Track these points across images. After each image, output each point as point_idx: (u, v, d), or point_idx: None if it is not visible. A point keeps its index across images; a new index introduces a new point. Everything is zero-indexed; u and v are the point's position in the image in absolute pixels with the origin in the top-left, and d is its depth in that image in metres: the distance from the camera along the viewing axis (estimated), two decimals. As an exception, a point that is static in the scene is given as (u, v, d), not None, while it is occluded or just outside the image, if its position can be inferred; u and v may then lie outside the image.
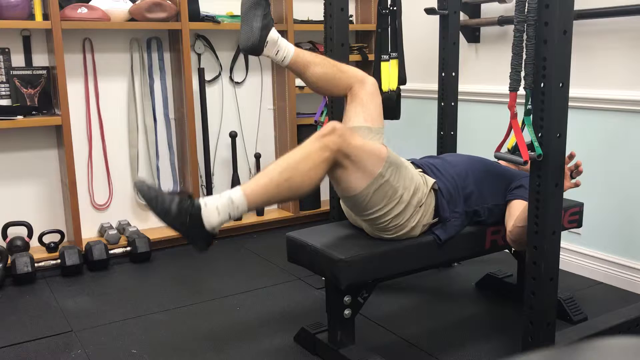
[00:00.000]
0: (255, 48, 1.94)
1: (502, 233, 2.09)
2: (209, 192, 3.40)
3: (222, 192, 1.69)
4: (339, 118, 2.13)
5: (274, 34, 1.97)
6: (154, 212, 1.65)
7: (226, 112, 3.50)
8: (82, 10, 2.87)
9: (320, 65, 2.03)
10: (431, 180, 1.97)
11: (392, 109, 2.62)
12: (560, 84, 1.59)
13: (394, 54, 2.63)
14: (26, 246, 2.90)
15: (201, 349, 2.13)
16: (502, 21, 2.91)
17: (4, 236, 2.91)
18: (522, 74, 1.62)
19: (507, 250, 2.40)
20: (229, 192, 1.69)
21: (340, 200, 2.06)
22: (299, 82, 3.48)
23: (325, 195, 3.75)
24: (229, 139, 3.44)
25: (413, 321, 2.33)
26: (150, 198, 1.64)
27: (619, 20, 2.51)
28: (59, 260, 2.84)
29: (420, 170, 2.05)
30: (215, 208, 1.66)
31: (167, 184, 3.38)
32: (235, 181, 3.46)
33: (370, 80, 2.06)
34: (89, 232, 3.18)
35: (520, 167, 2.21)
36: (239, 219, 1.66)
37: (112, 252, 2.99)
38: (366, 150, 1.77)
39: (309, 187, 1.72)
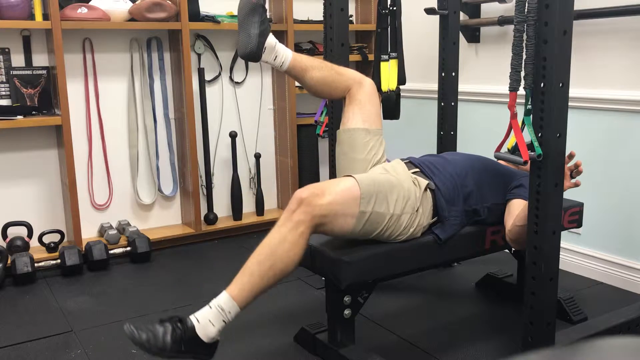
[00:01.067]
0: (253, 54, 1.95)
1: (502, 233, 2.09)
2: (209, 192, 3.40)
3: (211, 302, 1.71)
4: (339, 118, 2.13)
5: (271, 39, 1.98)
6: (151, 354, 1.66)
7: (226, 112, 3.50)
8: (82, 10, 2.87)
9: (318, 68, 2.04)
10: (424, 182, 1.96)
11: (391, 109, 2.62)
12: (560, 84, 1.59)
13: (393, 54, 2.63)
14: (26, 246, 2.90)
15: (201, 349, 2.13)
16: (502, 21, 2.91)
17: (4, 236, 2.91)
18: (522, 74, 1.62)
19: (507, 250, 2.40)
20: (217, 300, 1.71)
21: None
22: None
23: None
24: (229, 139, 3.44)
25: (413, 321, 2.33)
26: (142, 342, 1.64)
27: (619, 20, 2.51)
28: (59, 260, 2.84)
29: (418, 170, 2.04)
30: (209, 321, 1.69)
31: (167, 184, 3.38)
32: (235, 181, 3.46)
33: (368, 81, 2.06)
34: (89, 232, 3.18)
35: (520, 167, 2.21)
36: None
37: (112, 252, 2.99)
38: (338, 202, 1.75)
39: (294, 264, 1.73)
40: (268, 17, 3.43)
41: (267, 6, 3.50)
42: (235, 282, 1.73)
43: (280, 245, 1.70)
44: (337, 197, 1.76)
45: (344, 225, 1.78)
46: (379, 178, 1.88)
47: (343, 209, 1.76)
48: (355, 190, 1.79)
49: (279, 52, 2.00)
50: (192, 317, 1.70)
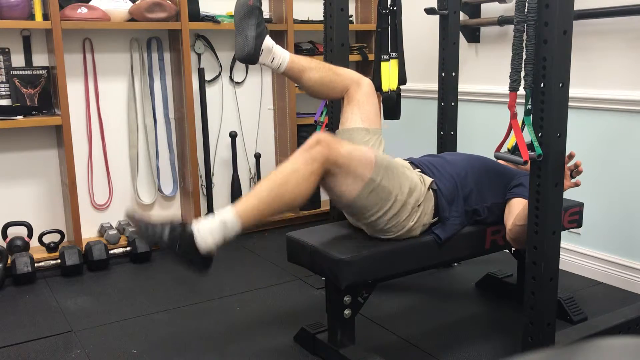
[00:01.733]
0: (250, 57, 1.96)
1: (502, 233, 2.09)
2: (209, 192, 3.40)
3: (214, 215, 1.71)
4: (339, 118, 2.13)
5: (268, 41, 1.98)
6: (146, 242, 1.67)
7: (226, 112, 3.50)
8: (82, 10, 2.87)
9: (316, 69, 2.04)
10: (429, 180, 1.97)
11: (392, 109, 2.62)
12: (560, 84, 1.59)
13: (394, 54, 2.63)
14: (26, 246, 2.90)
15: (201, 349, 2.13)
16: (502, 21, 2.91)
17: (4, 236, 2.91)
18: (522, 74, 1.62)
19: (507, 250, 2.40)
20: (220, 214, 1.70)
21: None
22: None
23: (325, 196, 3.75)
24: (229, 139, 3.44)
25: (413, 321, 2.33)
26: (140, 227, 1.67)
27: (619, 20, 2.51)
28: (59, 260, 2.84)
29: (419, 170, 2.05)
30: (209, 232, 1.68)
31: (167, 184, 3.38)
32: (235, 181, 3.46)
33: (366, 81, 2.07)
34: (89, 232, 3.18)
35: (520, 166, 2.21)
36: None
37: (112, 252, 2.99)
38: (354, 156, 1.77)
39: (301, 199, 1.73)
40: (268, 17, 3.43)
41: (263, 8, 3.50)
42: (242, 201, 1.73)
43: (292, 176, 1.70)
44: (354, 152, 1.78)
45: (350, 186, 1.77)
46: (393, 160, 1.91)
47: (355, 168, 1.77)
48: (371, 156, 1.81)
49: (276, 54, 2.01)
50: (193, 225, 1.69)
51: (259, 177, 3.58)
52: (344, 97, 2.07)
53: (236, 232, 1.70)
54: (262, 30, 1.96)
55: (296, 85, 3.46)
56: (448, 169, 2.05)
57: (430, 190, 1.97)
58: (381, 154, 1.89)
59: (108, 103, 3.17)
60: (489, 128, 3.13)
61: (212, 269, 1.73)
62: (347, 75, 2.07)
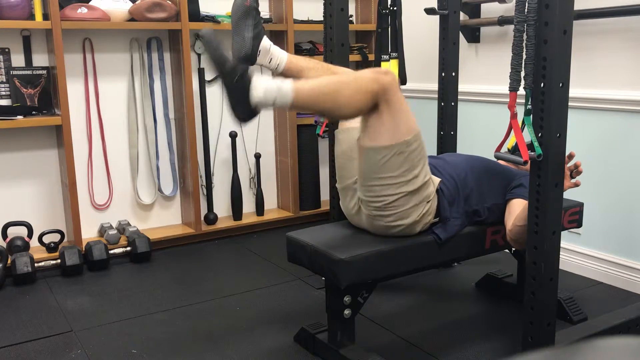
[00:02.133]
0: (248, 58, 1.97)
1: (502, 233, 2.09)
2: (209, 192, 3.40)
3: (276, 79, 1.77)
4: (339, 118, 2.13)
5: (265, 42, 1.99)
6: (212, 61, 1.73)
7: (226, 112, 3.50)
8: (82, 10, 2.87)
9: (315, 69, 2.04)
10: (437, 180, 1.97)
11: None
12: (560, 84, 1.59)
13: (394, 54, 2.63)
14: (26, 246, 2.90)
15: (201, 349, 2.13)
16: (502, 21, 2.91)
17: (4, 236, 2.91)
18: (522, 74, 1.62)
19: (507, 250, 2.40)
20: (281, 81, 1.74)
21: (341, 200, 2.06)
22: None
23: (325, 195, 3.76)
24: (229, 139, 3.45)
25: (413, 321, 2.33)
26: (212, 48, 1.73)
27: (619, 20, 2.51)
28: (59, 260, 2.84)
29: None
30: (264, 89, 1.71)
31: (167, 184, 3.38)
32: (235, 181, 3.46)
33: None
34: (89, 232, 3.18)
35: (520, 167, 2.21)
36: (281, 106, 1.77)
37: (112, 252, 2.99)
38: (405, 112, 1.82)
39: (350, 110, 1.77)
40: (268, 17, 3.43)
41: (263, 8, 3.50)
42: (303, 80, 1.78)
43: (354, 83, 1.76)
44: (406, 108, 1.83)
45: (386, 133, 1.80)
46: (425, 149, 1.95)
47: (400, 119, 1.80)
48: (416, 126, 1.85)
49: (274, 54, 2.01)
50: (254, 75, 1.73)
51: (259, 177, 3.58)
52: None
53: (286, 102, 1.73)
54: (259, 31, 1.96)
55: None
56: (448, 170, 2.05)
57: (436, 190, 1.97)
58: None
59: (108, 103, 3.17)
60: (489, 128, 3.13)
61: (253, 120, 1.77)
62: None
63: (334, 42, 2.38)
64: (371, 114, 1.79)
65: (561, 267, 1.93)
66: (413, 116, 1.86)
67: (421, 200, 1.89)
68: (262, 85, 1.71)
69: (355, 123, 2.02)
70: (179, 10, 3.08)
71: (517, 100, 1.65)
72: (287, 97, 1.72)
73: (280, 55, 2.02)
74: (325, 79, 1.79)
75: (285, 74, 2.05)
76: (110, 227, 3.16)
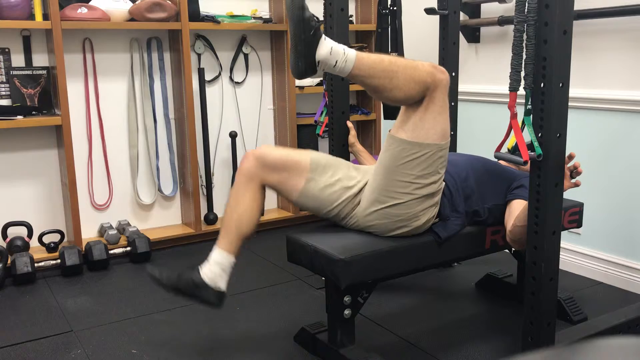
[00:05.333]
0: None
1: (502, 233, 2.09)
2: (209, 192, 3.40)
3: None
4: (339, 118, 2.13)
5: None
6: (292, 5, 1.75)
7: (226, 112, 3.50)
8: (82, 10, 2.87)
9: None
10: (443, 184, 1.97)
11: (392, 109, 2.62)
12: (560, 84, 1.59)
13: (393, 54, 2.63)
14: (26, 246, 2.90)
15: (201, 349, 2.13)
16: (502, 21, 2.91)
17: (4, 236, 2.91)
18: (522, 74, 1.62)
19: (507, 250, 2.40)
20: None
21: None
22: (299, 82, 3.48)
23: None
24: (229, 139, 3.44)
25: (413, 321, 2.33)
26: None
27: (619, 20, 2.51)
28: (59, 260, 2.84)
29: None
30: (331, 47, 1.75)
31: (167, 184, 3.38)
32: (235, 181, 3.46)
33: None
34: (89, 232, 3.18)
35: (520, 167, 2.21)
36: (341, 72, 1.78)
37: (112, 252, 2.99)
38: (445, 117, 1.82)
39: (399, 94, 1.77)
40: (268, 17, 3.43)
41: (263, 8, 3.50)
42: (366, 54, 1.80)
43: (411, 69, 1.76)
44: (446, 114, 1.83)
45: (422, 130, 1.80)
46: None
47: (438, 121, 1.80)
48: (449, 133, 1.86)
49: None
50: (323, 37, 1.76)
51: (259, 177, 3.57)
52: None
53: (347, 68, 1.75)
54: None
55: (296, 85, 3.46)
56: (450, 170, 2.05)
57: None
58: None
59: (108, 103, 3.17)
60: (489, 128, 3.13)
61: (308, 76, 1.80)
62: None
63: (334, 42, 2.37)
64: (416, 107, 1.80)
65: (561, 267, 1.93)
66: (448, 123, 1.86)
67: (431, 205, 1.90)
68: (329, 44, 1.75)
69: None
70: (179, 10, 3.08)
71: (517, 100, 1.64)
72: (349, 63, 1.74)
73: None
74: (387, 57, 1.79)
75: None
76: (110, 227, 3.15)
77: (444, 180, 1.98)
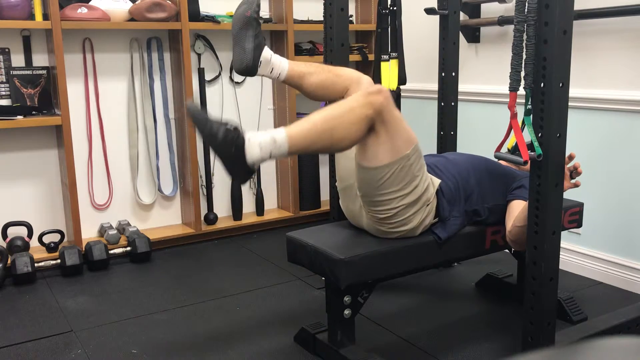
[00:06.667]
0: (249, 69, 1.93)
1: (502, 233, 2.09)
2: (209, 192, 3.40)
3: (266, 130, 1.72)
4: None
5: (266, 52, 1.96)
6: (201, 135, 1.67)
7: (226, 112, 3.50)
8: (82, 10, 2.87)
9: (316, 74, 2.02)
10: (437, 181, 1.97)
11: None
12: (560, 84, 1.59)
13: (394, 54, 2.63)
14: (26, 246, 2.90)
15: (201, 349, 2.13)
16: (502, 21, 2.91)
17: (4, 236, 2.91)
18: (522, 74, 1.62)
19: (507, 250, 2.40)
20: (273, 132, 1.70)
21: (341, 200, 2.06)
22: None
23: (325, 196, 3.75)
24: (229, 139, 3.44)
25: (413, 321, 2.33)
26: (200, 121, 1.66)
27: (619, 20, 2.51)
28: (59, 260, 2.84)
29: None
30: (258, 144, 1.68)
31: (167, 184, 3.38)
32: (235, 181, 3.46)
33: (366, 79, 2.05)
34: (89, 232, 3.18)
35: (520, 167, 2.21)
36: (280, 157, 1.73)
37: (112, 252, 2.99)
38: (402, 126, 1.79)
39: (348, 142, 1.75)
40: (268, 17, 3.43)
41: (263, 8, 3.50)
42: (296, 125, 1.73)
43: (347, 114, 1.72)
44: (403, 123, 1.80)
45: (386, 152, 1.78)
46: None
47: (398, 136, 1.78)
48: (414, 135, 1.83)
49: (275, 64, 1.98)
50: (246, 134, 1.69)
51: (259, 177, 3.58)
52: (343, 97, 2.06)
53: (283, 152, 1.71)
54: (260, 41, 1.93)
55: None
56: (450, 170, 2.05)
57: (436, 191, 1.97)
58: None
59: (108, 103, 3.17)
60: (489, 128, 3.13)
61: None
62: (347, 75, 2.06)
63: (334, 42, 2.37)
64: (368, 136, 1.77)
65: (561, 267, 1.93)
66: (408, 126, 1.84)
67: (421, 206, 1.90)
68: (256, 142, 1.67)
69: None
70: (179, 10, 3.08)
71: (517, 100, 1.65)
72: (283, 148, 1.69)
73: (281, 65, 1.99)
74: (318, 116, 1.72)
75: (287, 82, 2.03)
76: (110, 227, 3.15)
77: (442, 182, 1.99)
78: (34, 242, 2.98)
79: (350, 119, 1.71)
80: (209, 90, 3.41)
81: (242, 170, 1.69)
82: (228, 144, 1.65)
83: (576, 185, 1.98)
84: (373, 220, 1.92)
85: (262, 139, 1.68)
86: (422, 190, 1.87)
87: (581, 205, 2.33)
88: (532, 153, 1.61)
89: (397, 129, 1.77)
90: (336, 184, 2.09)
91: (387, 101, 1.74)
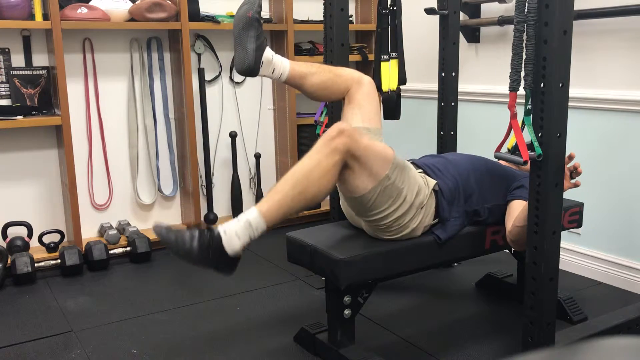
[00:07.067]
0: (251, 70, 1.93)
1: (502, 233, 2.09)
2: (209, 192, 3.40)
3: (239, 216, 1.70)
4: (339, 118, 2.13)
5: (268, 53, 1.96)
6: (177, 256, 1.65)
7: (226, 112, 3.50)
8: (82, 10, 2.87)
9: (317, 74, 2.02)
10: (432, 182, 1.97)
11: (392, 109, 2.62)
12: (560, 84, 1.59)
13: (394, 54, 2.62)
14: (26, 246, 2.90)
15: (201, 349, 2.13)
16: (502, 21, 2.91)
17: (4, 236, 2.91)
18: (522, 74, 1.62)
19: (507, 250, 2.40)
20: (245, 215, 1.70)
21: (341, 200, 2.06)
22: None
23: (325, 195, 3.75)
24: (229, 139, 3.44)
25: (413, 321, 2.33)
26: (170, 242, 1.65)
27: (619, 20, 2.51)
28: (59, 260, 2.84)
29: (421, 170, 2.05)
30: (235, 234, 1.67)
31: (167, 184, 3.38)
32: (235, 181, 3.46)
33: (367, 80, 2.06)
34: (89, 232, 3.18)
35: (520, 167, 2.21)
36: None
37: (112, 252, 2.99)
38: (374, 151, 1.77)
39: (324, 194, 1.73)
40: (268, 17, 3.43)
41: (263, 8, 3.50)
42: (265, 200, 1.71)
43: (314, 170, 1.70)
44: (374, 147, 1.77)
45: (365, 181, 1.77)
46: (406, 161, 1.91)
47: (373, 163, 1.76)
48: (389, 153, 1.81)
49: (277, 64, 1.98)
50: (219, 228, 1.68)
51: (259, 177, 3.58)
52: (344, 97, 2.07)
53: (262, 231, 1.70)
54: (261, 42, 1.93)
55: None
56: (450, 170, 2.05)
57: (432, 191, 1.97)
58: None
59: (108, 103, 3.17)
60: (489, 128, 3.13)
61: (237, 269, 1.73)
62: (347, 75, 2.06)
63: (334, 42, 2.38)
64: (344, 172, 1.76)
65: (561, 267, 1.93)
66: (381, 146, 1.81)
67: (416, 210, 1.90)
68: (232, 232, 1.67)
69: (356, 123, 2.02)
70: (179, 10, 3.08)
71: (517, 100, 1.64)
72: (260, 227, 1.69)
73: (282, 65, 1.99)
74: (287, 183, 1.70)
75: (288, 82, 2.03)
76: (110, 227, 3.15)
77: (441, 183, 1.99)
78: (34, 242, 2.98)
79: (319, 174, 1.70)
80: (209, 90, 3.41)
81: (228, 264, 1.69)
82: (205, 252, 1.64)
83: (576, 185, 1.98)
84: (372, 229, 1.93)
85: (237, 227, 1.67)
86: (412, 197, 1.87)
87: (581, 205, 2.33)
88: (532, 153, 1.61)
89: (370, 158, 1.76)
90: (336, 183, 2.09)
91: (351, 138, 1.71)
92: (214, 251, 1.65)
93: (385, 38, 2.65)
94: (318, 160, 1.70)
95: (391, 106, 2.61)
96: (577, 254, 2.79)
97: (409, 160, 2.13)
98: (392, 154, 1.82)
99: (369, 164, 1.76)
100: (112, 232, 3.09)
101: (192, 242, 1.64)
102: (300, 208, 1.73)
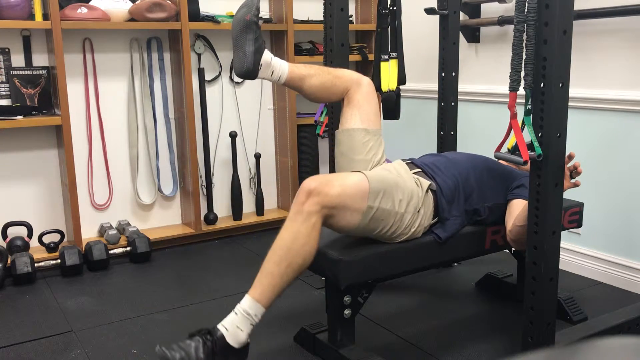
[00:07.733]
0: (250, 72, 1.94)
1: (502, 233, 2.09)
2: (209, 192, 3.40)
3: (236, 308, 1.72)
4: (339, 118, 2.13)
5: (266, 55, 1.97)
6: None
7: (226, 112, 3.50)
8: (82, 10, 2.87)
9: (316, 76, 2.03)
10: (426, 183, 1.97)
11: (391, 109, 2.62)
12: (560, 84, 1.59)
13: (393, 54, 2.63)
14: (26, 246, 2.90)
15: (201, 349, 2.13)
16: (502, 21, 2.91)
17: (4, 236, 2.91)
18: (522, 74, 1.62)
19: (507, 250, 2.40)
20: (241, 305, 1.72)
21: None
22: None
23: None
24: (229, 139, 3.44)
25: (413, 321, 2.33)
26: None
27: (619, 20, 2.51)
28: (59, 260, 2.84)
29: (418, 170, 2.05)
30: (237, 328, 1.69)
31: (167, 184, 3.38)
32: (235, 181, 3.46)
33: (366, 81, 2.06)
34: (89, 232, 3.18)
35: (520, 167, 2.21)
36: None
37: (112, 252, 2.99)
38: (348, 194, 1.75)
39: (311, 257, 1.74)
40: (268, 17, 3.43)
41: (263, 8, 3.50)
42: (255, 284, 1.73)
43: (295, 242, 1.70)
44: (347, 189, 1.76)
45: (350, 219, 1.77)
46: (386, 176, 1.89)
47: (352, 202, 1.76)
48: (364, 185, 1.79)
49: (275, 67, 1.99)
50: (220, 327, 1.70)
51: (259, 177, 3.58)
52: (344, 98, 2.07)
53: (262, 314, 1.72)
54: (260, 44, 1.94)
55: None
56: (450, 169, 2.05)
57: (429, 191, 1.97)
58: (373, 172, 1.87)
59: (108, 103, 3.17)
60: (489, 128, 3.13)
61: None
62: (347, 76, 2.06)
63: (334, 42, 2.38)
64: (326, 222, 1.76)
65: (561, 267, 1.93)
66: (352, 179, 1.80)
67: (412, 214, 1.90)
68: (233, 327, 1.69)
69: (355, 124, 2.02)
70: (179, 10, 3.08)
71: (517, 100, 1.64)
72: (259, 312, 1.71)
73: (281, 67, 2.00)
74: (270, 264, 1.72)
75: (287, 84, 2.04)
76: (110, 227, 3.15)
77: (440, 182, 1.99)
78: (34, 242, 2.98)
79: (301, 243, 1.70)
80: (209, 90, 3.41)
81: (238, 355, 1.71)
82: (211, 355, 1.65)
83: (576, 185, 1.98)
84: (375, 238, 1.94)
85: (237, 320, 1.70)
86: (405, 207, 1.87)
87: (581, 205, 2.33)
88: (532, 153, 1.61)
89: (346, 201, 1.75)
90: None
91: (321, 195, 1.70)
92: (220, 353, 1.67)
93: (385, 38, 2.65)
94: (296, 230, 1.71)
95: (391, 106, 2.61)
96: (577, 254, 2.79)
97: (408, 160, 2.13)
98: (367, 185, 1.79)
99: (347, 206, 1.75)
100: (112, 232, 3.09)
101: (198, 352, 1.65)
102: (293, 279, 1.74)
